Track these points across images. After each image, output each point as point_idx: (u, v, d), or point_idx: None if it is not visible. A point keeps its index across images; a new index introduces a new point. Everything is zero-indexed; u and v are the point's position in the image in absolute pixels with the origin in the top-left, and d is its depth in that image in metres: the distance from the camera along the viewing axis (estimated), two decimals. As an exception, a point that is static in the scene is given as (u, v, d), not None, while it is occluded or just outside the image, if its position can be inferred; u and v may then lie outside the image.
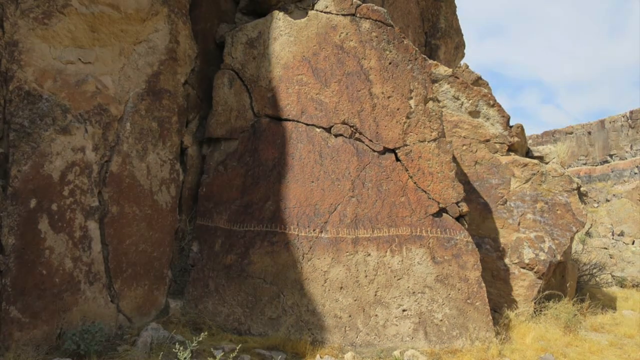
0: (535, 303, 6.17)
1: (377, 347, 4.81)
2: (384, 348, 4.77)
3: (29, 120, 4.13)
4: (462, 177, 6.64)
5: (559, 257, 6.38)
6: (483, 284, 5.06)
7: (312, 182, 5.41)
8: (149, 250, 5.11)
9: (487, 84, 7.37)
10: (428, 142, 5.44)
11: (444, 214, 5.29)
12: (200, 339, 3.52)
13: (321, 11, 5.84)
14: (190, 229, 5.71)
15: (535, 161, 6.84)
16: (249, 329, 5.05)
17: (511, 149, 6.95)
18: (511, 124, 7.02)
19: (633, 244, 15.72)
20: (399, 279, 5.06)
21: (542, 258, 6.30)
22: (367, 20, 5.69)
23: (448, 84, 7.01)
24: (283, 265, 5.21)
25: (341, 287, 5.06)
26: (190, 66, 5.87)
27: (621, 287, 9.46)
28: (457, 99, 7.02)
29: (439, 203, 5.28)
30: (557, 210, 6.57)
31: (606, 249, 14.48)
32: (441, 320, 4.92)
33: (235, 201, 5.57)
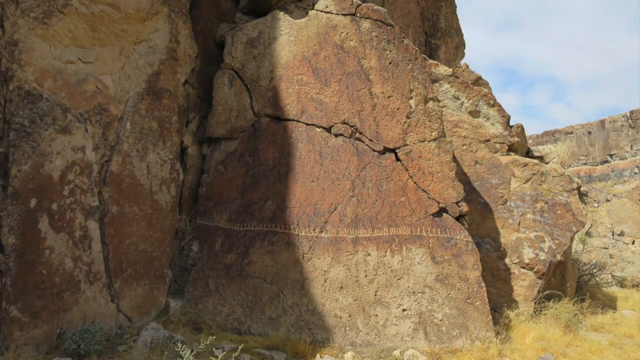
0: (535, 303, 6.17)
1: (377, 346, 4.81)
2: (384, 348, 4.77)
3: (29, 119, 4.13)
4: (462, 177, 6.64)
5: (559, 257, 6.37)
6: (483, 284, 5.06)
7: (312, 181, 5.41)
8: (149, 250, 5.11)
9: (487, 84, 7.36)
10: (428, 141, 5.43)
11: (444, 214, 5.29)
12: (208, 342, 3.50)
13: (321, 11, 5.84)
14: (190, 228, 5.71)
15: (536, 161, 6.83)
16: (249, 329, 5.05)
17: (511, 148, 6.95)
18: (512, 123, 7.03)
19: (633, 243, 15.71)
20: (399, 279, 5.06)
21: (542, 258, 6.30)
22: (367, 20, 5.69)
23: (448, 83, 7.01)
24: (283, 265, 5.21)
25: (341, 287, 5.06)
26: (191, 66, 5.87)
27: (621, 287, 9.46)
28: (457, 98, 7.02)
29: (439, 203, 5.27)
30: (557, 210, 6.57)
31: (606, 249, 14.48)
32: (441, 320, 4.92)
33: (235, 201, 5.57)
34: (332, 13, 5.79)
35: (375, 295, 5.02)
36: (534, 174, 6.72)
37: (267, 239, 5.32)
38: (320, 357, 4.45)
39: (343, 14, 5.75)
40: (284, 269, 5.20)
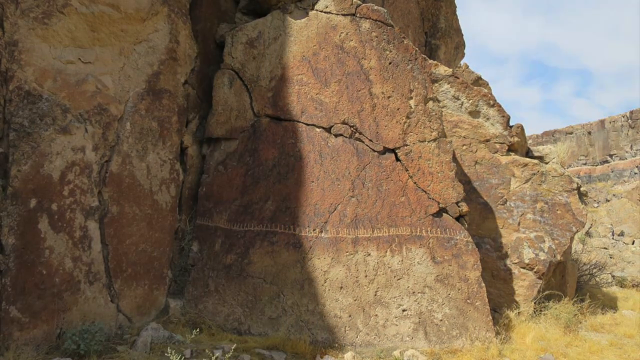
0: (535, 303, 6.17)
1: (377, 347, 4.81)
2: (384, 348, 4.77)
3: (29, 120, 4.13)
4: (462, 177, 6.64)
5: (559, 257, 6.38)
6: (483, 284, 5.06)
7: (312, 182, 5.41)
8: (149, 250, 5.11)
9: (487, 84, 7.37)
10: (428, 142, 5.43)
11: (444, 214, 5.29)
12: (193, 336, 3.51)
13: (321, 11, 5.84)
14: (190, 228, 5.71)
15: (535, 161, 6.84)
16: (249, 329, 5.05)
17: (511, 149, 6.95)
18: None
19: (633, 244, 15.72)
20: (399, 279, 5.06)
21: (542, 258, 6.30)
22: (367, 20, 5.69)
23: (448, 84, 7.01)
24: (283, 265, 5.21)
25: (341, 287, 5.06)
26: (190, 66, 5.87)
27: (621, 287, 9.46)
28: (457, 98, 7.02)
29: (439, 203, 5.27)
30: (557, 210, 6.57)
31: (606, 249, 14.49)
32: (441, 320, 4.92)
33: (235, 201, 5.57)
34: (332, 13, 5.79)
35: (375, 295, 5.02)
36: (534, 174, 6.73)
37: (267, 239, 5.32)
38: (320, 357, 4.45)
39: (343, 14, 5.75)
40: (284, 269, 5.19)
